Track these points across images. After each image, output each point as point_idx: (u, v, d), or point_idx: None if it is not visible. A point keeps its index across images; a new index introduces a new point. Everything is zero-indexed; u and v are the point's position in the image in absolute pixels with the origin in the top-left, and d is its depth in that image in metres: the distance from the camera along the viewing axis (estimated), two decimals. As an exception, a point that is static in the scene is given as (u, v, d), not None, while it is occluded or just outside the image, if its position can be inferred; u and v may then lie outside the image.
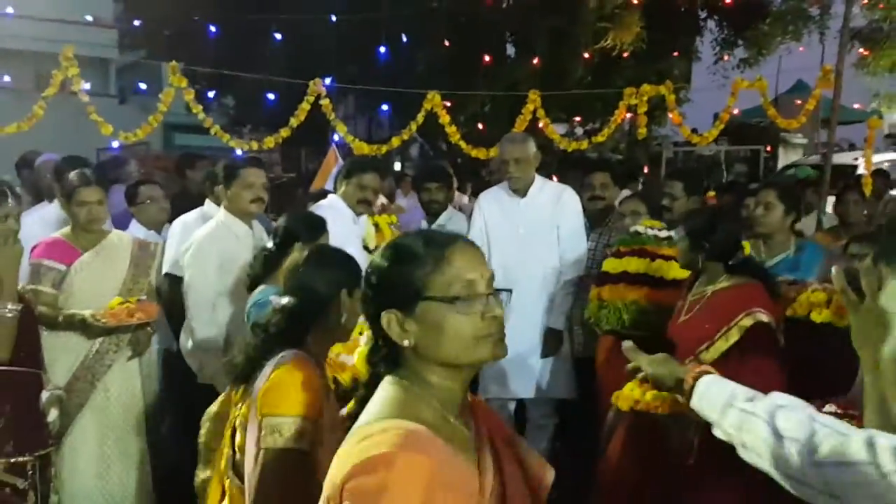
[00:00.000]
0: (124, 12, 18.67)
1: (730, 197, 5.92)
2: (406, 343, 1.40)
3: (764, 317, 2.91)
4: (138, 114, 18.41)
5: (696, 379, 1.69)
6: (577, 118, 14.03)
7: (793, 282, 3.33)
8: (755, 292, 3.02)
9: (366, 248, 4.09)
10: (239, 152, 7.58)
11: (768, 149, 13.84)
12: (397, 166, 16.40)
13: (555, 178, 5.63)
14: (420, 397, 1.38)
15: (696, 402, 1.66)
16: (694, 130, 13.14)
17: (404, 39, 13.38)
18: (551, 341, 4.17)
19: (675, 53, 12.08)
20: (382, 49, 11.89)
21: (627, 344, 1.97)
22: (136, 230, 4.25)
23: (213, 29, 14.61)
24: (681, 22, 11.19)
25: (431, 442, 1.29)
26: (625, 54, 11.13)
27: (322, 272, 2.22)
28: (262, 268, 3.13)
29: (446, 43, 12.28)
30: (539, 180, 4.27)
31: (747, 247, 3.16)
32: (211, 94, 14.51)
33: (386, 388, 1.40)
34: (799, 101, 9.39)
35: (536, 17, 12.36)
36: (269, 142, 7.29)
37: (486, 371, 4.29)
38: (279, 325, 2.13)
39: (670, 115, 8.91)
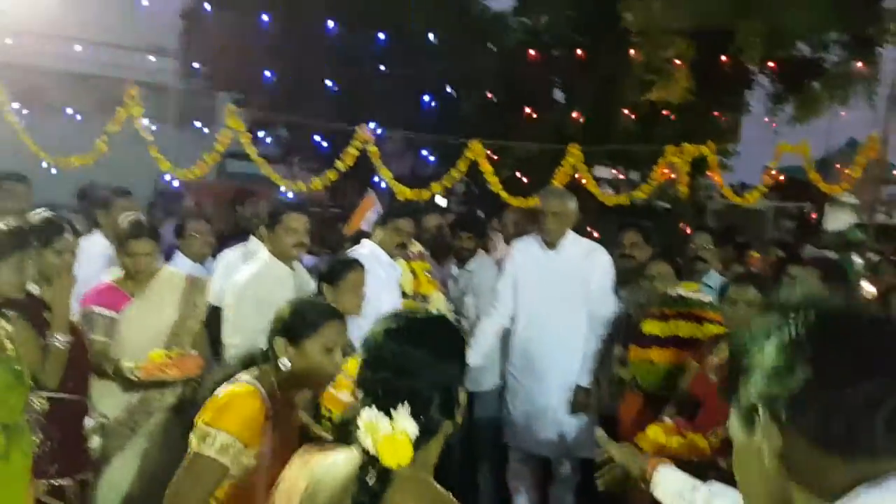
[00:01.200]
0: (185, 42, 19.31)
1: (773, 259, 5.90)
2: None
3: None
4: (196, 140, 19.04)
5: (654, 469, 1.88)
6: (618, 169, 14.05)
7: None
8: None
9: (403, 293, 4.21)
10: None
11: (813, 215, 13.65)
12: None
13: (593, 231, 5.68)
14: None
15: (656, 491, 1.86)
16: (742, 185, 13.06)
17: (448, 89, 13.61)
18: (579, 398, 4.23)
19: (717, 113, 12.06)
20: (427, 98, 12.13)
21: (599, 433, 2.18)
22: (182, 262, 4.47)
23: (268, 74, 15.11)
24: (731, 76, 11.18)
25: None
26: (666, 112, 11.15)
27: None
28: None
29: (489, 95, 12.44)
30: (572, 236, 4.36)
31: None
32: (261, 133, 14.86)
33: None
34: (838, 166, 9.33)
35: (585, 67, 12.54)
36: (317, 184, 7.47)
37: (514, 420, 4.37)
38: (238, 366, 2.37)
39: (711, 175, 8.86)
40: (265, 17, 12.65)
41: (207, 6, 17.58)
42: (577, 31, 14.21)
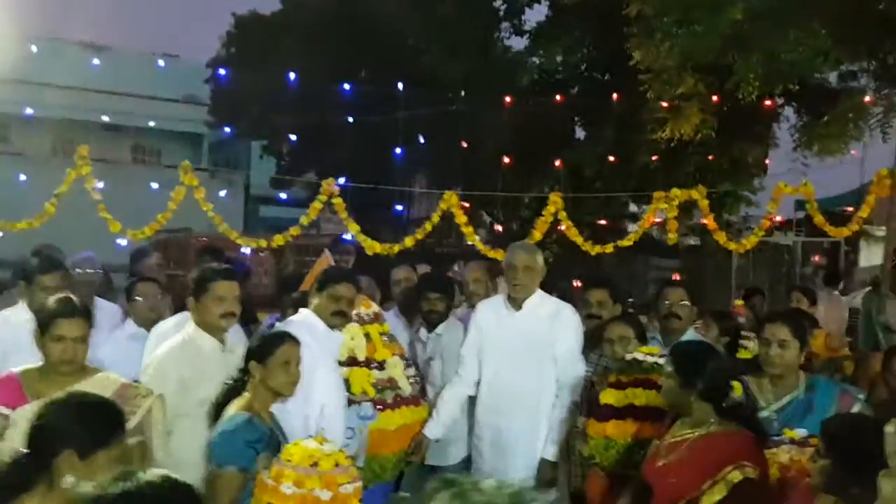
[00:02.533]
0: (214, 92, 19.67)
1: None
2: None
3: (752, 471, 2.67)
4: (227, 186, 19.25)
5: None
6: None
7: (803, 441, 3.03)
8: (745, 442, 2.78)
9: (354, 359, 3.96)
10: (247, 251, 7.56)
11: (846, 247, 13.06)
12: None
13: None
14: None
15: None
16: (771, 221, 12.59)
17: (421, 140, 13.51)
18: (545, 473, 3.90)
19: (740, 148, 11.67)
20: (398, 150, 12.04)
21: None
22: (130, 327, 4.26)
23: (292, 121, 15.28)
24: (754, 110, 10.84)
25: None
26: (686, 147, 10.84)
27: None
28: (224, 396, 3.06)
29: (464, 144, 12.31)
30: (539, 295, 4.08)
31: (738, 387, 2.90)
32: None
33: None
34: (850, 208, 8.84)
35: (601, 106, 12.35)
36: (279, 239, 7.30)
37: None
38: None
39: (704, 221, 8.47)
40: (290, 72, 12.72)
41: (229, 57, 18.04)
42: (593, 70, 14.07)
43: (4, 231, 6.58)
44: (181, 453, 3.16)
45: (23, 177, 6.58)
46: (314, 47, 15.63)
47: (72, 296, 3.17)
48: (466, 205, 8.22)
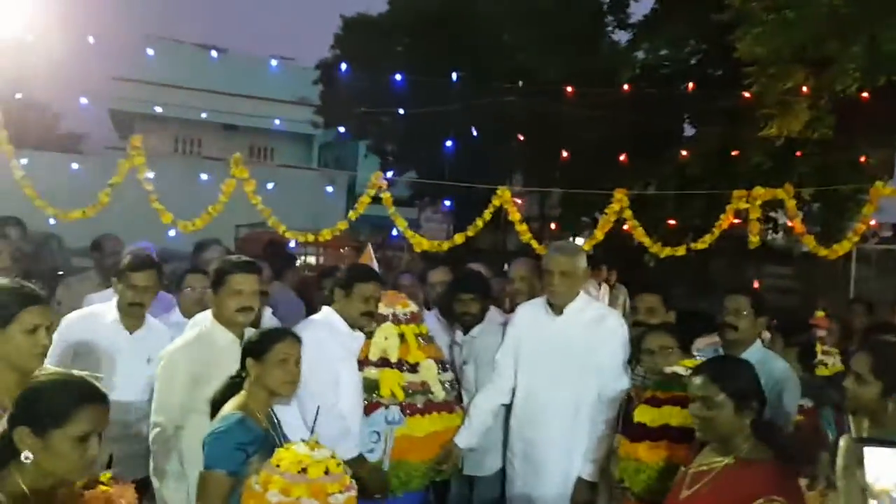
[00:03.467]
0: (323, 93, 20.11)
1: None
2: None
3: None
4: (332, 185, 19.64)
5: None
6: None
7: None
8: (777, 473, 2.40)
9: (385, 360, 3.77)
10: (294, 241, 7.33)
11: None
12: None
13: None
14: None
15: None
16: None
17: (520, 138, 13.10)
18: (581, 493, 3.57)
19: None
20: (494, 148, 11.67)
21: None
22: (175, 315, 4.22)
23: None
24: (878, 107, 9.89)
25: None
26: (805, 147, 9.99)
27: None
28: (223, 394, 2.93)
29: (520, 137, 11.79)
30: (582, 300, 3.76)
31: None
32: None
33: None
34: None
35: (708, 102, 11.65)
36: (326, 234, 7.15)
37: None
38: None
39: (790, 223, 7.69)
40: (394, 73, 12.76)
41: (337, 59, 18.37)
42: (702, 65, 13.33)
43: (59, 220, 6.79)
44: (193, 448, 3.07)
45: (150, 174, 6.75)
46: (418, 47, 15.68)
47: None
48: (519, 201, 7.82)
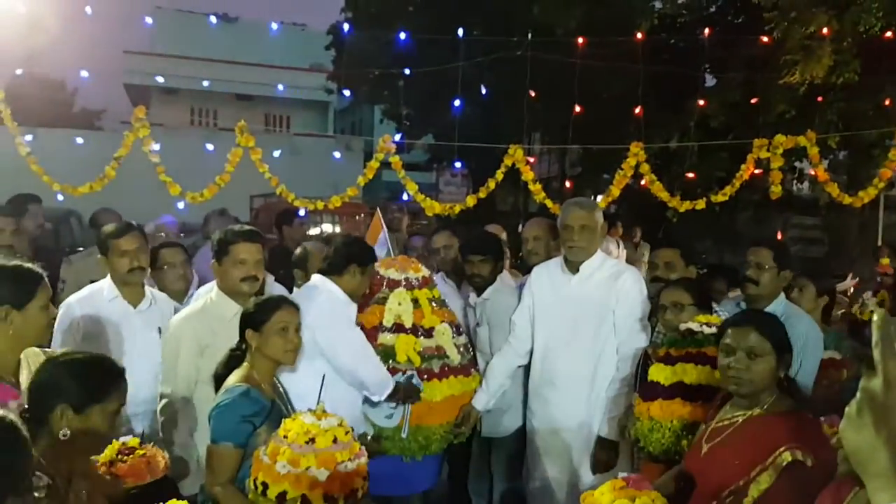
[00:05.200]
0: (335, 58, 19.86)
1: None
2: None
3: (803, 455, 2.21)
4: (345, 150, 19.53)
5: None
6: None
7: None
8: (802, 424, 2.32)
9: (400, 325, 3.71)
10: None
11: None
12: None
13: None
14: None
15: None
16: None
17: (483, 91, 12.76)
18: (602, 453, 3.50)
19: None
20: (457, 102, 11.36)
21: None
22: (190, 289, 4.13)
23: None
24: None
25: None
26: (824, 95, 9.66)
27: None
28: (225, 367, 2.89)
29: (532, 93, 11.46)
30: (599, 257, 3.66)
31: None
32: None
33: None
34: None
35: (728, 50, 11.31)
36: (336, 200, 7.06)
37: (532, 477, 3.74)
38: None
39: (812, 172, 7.46)
40: (405, 33, 12.47)
41: (348, 23, 18.08)
42: (721, 11, 12.95)
43: (66, 195, 6.77)
44: (201, 419, 3.10)
45: (156, 146, 6.64)
46: (431, 5, 15.38)
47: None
48: (532, 160, 7.65)
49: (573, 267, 3.65)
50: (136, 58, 22.33)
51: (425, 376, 3.63)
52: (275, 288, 3.94)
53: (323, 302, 3.35)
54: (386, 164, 7.49)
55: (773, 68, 10.60)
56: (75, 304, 3.48)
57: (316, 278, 3.55)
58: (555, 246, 4.05)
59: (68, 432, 2.05)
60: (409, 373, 3.61)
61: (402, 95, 17.73)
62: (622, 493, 2.21)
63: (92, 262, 4.65)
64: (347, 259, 3.52)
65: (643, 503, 2.18)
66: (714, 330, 2.88)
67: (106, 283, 3.56)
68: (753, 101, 11.15)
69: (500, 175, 7.19)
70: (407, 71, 13.96)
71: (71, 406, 2.09)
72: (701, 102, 10.94)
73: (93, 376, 2.17)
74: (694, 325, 2.95)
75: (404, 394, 3.48)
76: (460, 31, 11.29)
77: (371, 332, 3.64)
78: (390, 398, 3.46)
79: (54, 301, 4.30)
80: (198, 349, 3.14)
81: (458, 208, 7.22)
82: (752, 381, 2.39)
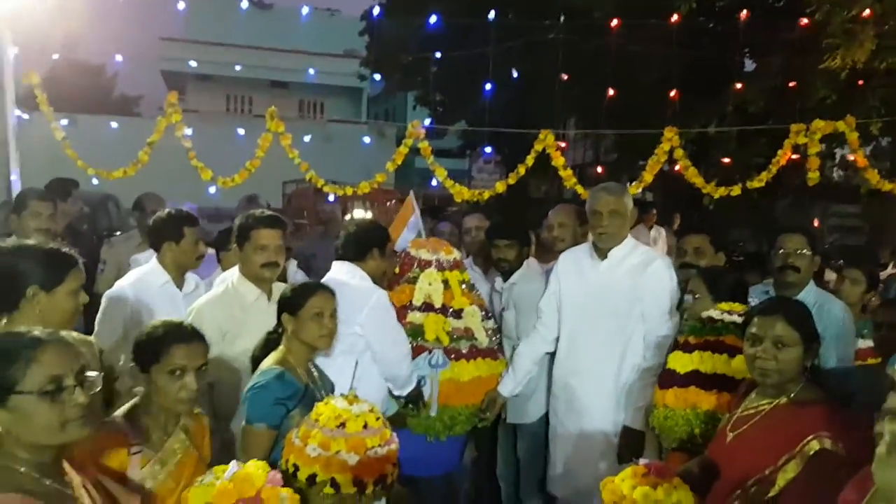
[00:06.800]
0: (369, 44, 19.85)
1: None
2: None
3: (831, 444, 2.17)
4: (379, 137, 19.56)
5: None
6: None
7: None
8: (831, 412, 2.26)
9: (430, 305, 3.71)
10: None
11: None
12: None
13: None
14: (15, 471, 1.64)
15: None
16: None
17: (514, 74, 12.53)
18: (629, 444, 3.44)
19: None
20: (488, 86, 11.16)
21: None
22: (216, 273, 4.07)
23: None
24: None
25: None
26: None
27: None
28: (263, 349, 2.92)
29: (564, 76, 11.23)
30: (629, 244, 3.60)
31: None
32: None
33: None
34: None
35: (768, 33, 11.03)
36: (364, 187, 7.04)
37: (555, 465, 3.72)
38: None
39: (852, 158, 7.25)
40: (439, 19, 12.37)
41: (381, 8, 18.05)
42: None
43: (101, 180, 6.86)
44: (224, 403, 3.15)
45: (188, 131, 6.70)
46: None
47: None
48: (564, 145, 7.55)
49: (602, 253, 3.60)
50: (172, 44, 22.58)
51: (453, 356, 3.65)
52: (299, 275, 3.96)
53: (375, 302, 3.37)
54: (417, 150, 7.49)
55: (813, 52, 10.32)
56: (128, 287, 3.51)
57: (342, 267, 3.53)
58: (581, 232, 4.02)
59: (141, 389, 2.32)
60: (435, 351, 3.62)
61: (434, 81, 17.72)
62: (643, 480, 2.19)
63: (132, 245, 4.76)
64: (367, 244, 3.54)
65: (665, 490, 2.16)
66: (736, 318, 2.83)
67: (154, 267, 3.60)
68: (792, 85, 10.87)
69: (530, 161, 7.10)
70: (439, 55, 13.89)
71: (137, 366, 2.30)
72: (739, 87, 10.73)
73: (153, 339, 2.33)
74: (715, 314, 2.90)
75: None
76: (492, 15, 11.20)
77: (401, 311, 3.66)
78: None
79: (93, 281, 4.39)
80: (220, 334, 3.16)
81: (487, 194, 7.16)
82: (779, 370, 2.34)
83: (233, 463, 2.03)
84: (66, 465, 1.78)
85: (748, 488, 2.27)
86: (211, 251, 4.09)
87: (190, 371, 2.31)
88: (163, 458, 2.25)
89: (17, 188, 5.50)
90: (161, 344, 2.30)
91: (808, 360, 2.36)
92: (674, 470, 2.30)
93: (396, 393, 3.51)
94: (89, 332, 3.31)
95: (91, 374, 1.77)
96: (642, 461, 2.25)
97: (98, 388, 1.79)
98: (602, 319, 3.54)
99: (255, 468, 2.03)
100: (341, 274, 3.44)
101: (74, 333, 2.43)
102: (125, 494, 1.96)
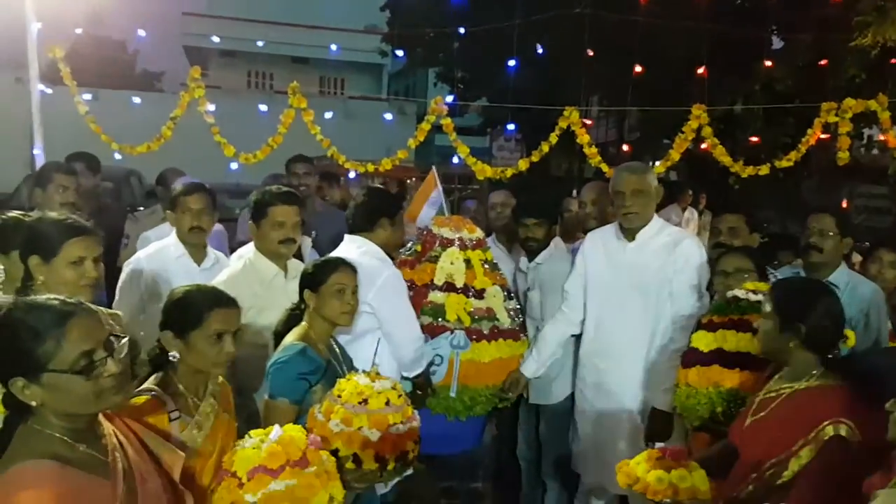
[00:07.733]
0: (390, 19, 19.72)
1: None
2: (34, 403, 1.64)
3: (846, 430, 2.14)
4: (400, 114, 19.46)
5: None
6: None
7: None
8: (850, 398, 2.22)
9: (451, 285, 3.68)
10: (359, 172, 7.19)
11: None
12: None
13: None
14: (50, 437, 1.65)
15: None
16: None
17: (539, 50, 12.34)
18: (657, 425, 3.39)
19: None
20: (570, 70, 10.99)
21: None
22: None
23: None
24: None
25: (55, 472, 1.59)
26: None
27: None
28: (285, 325, 2.91)
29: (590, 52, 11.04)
30: (656, 224, 3.54)
31: (852, 337, 2.31)
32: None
33: (18, 436, 1.64)
34: None
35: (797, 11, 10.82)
36: (387, 163, 6.99)
37: (581, 445, 3.70)
38: None
39: (882, 137, 7.08)
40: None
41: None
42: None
43: (124, 155, 6.87)
44: (244, 379, 3.10)
45: (211, 107, 6.70)
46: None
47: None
48: (588, 122, 7.44)
49: (629, 234, 3.54)
50: (194, 20, 22.58)
51: (474, 337, 3.61)
52: (314, 254, 3.94)
53: (383, 282, 3.32)
54: (438, 128, 7.44)
55: (843, 30, 10.10)
56: (143, 259, 3.57)
57: (352, 243, 3.47)
58: (612, 212, 3.95)
59: (177, 355, 2.28)
60: (457, 332, 3.60)
61: (456, 57, 17.57)
62: (658, 464, 2.18)
63: (156, 219, 4.78)
64: (376, 212, 3.46)
65: (679, 475, 2.14)
66: (760, 297, 2.78)
67: (173, 241, 3.64)
68: (822, 63, 10.67)
69: (553, 138, 7.01)
70: (462, 30, 13.74)
71: (172, 332, 2.30)
72: (768, 64, 10.54)
73: (191, 305, 2.33)
74: (740, 292, 2.86)
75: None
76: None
77: (422, 290, 3.63)
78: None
79: (116, 255, 4.42)
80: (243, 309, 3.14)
81: (509, 172, 7.09)
82: (759, 341, 2.45)
83: (275, 426, 2.03)
84: (104, 426, 1.80)
85: (763, 472, 2.26)
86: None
87: (228, 335, 2.33)
88: (199, 422, 2.27)
89: (40, 162, 5.52)
90: (201, 309, 2.32)
91: (788, 339, 2.32)
92: (689, 454, 2.28)
93: (404, 374, 3.48)
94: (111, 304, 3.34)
95: (119, 340, 1.78)
96: (658, 445, 2.24)
97: (126, 353, 1.79)
98: (631, 300, 3.49)
99: (297, 432, 2.04)
100: (351, 251, 3.36)
101: (103, 308, 2.44)
102: (168, 452, 1.97)
